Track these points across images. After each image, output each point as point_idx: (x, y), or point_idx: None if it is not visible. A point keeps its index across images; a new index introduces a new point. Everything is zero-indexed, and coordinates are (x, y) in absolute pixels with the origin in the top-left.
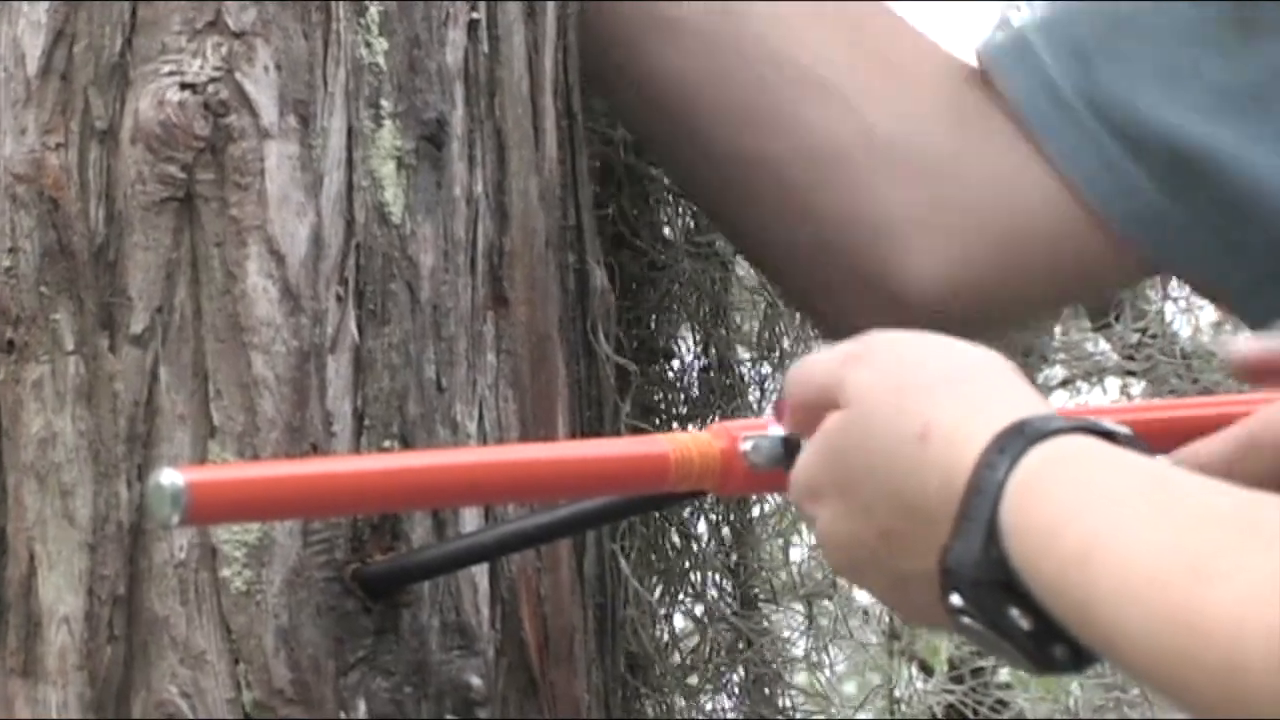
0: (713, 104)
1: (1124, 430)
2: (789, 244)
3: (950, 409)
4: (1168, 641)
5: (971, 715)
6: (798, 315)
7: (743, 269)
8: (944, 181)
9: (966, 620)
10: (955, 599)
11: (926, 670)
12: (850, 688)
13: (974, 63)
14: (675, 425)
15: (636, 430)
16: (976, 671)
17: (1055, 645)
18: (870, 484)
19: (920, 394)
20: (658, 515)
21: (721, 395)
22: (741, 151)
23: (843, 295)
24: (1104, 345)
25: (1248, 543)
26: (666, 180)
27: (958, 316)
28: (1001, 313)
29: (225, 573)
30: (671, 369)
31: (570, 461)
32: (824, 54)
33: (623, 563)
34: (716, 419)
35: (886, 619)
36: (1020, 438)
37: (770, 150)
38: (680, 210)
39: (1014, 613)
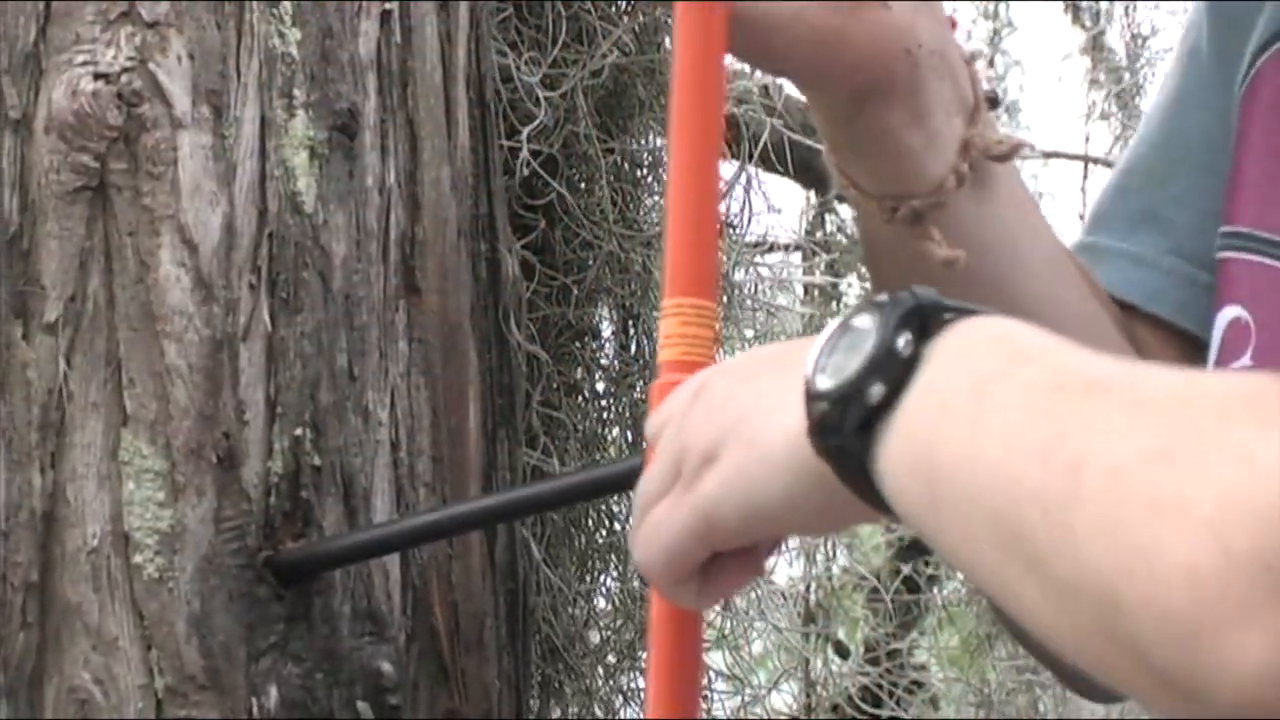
0: None
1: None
2: None
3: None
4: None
5: (887, 697)
6: (724, 295)
7: None
8: None
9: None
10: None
11: (841, 653)
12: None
13: None
14: (598, 402)
15: (548, 419)
16: (893, 654)
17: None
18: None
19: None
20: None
21: (640, 373)
22: None
23: None
24: None
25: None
26: (603, 164)
27: None
28: None
29: (137, 559)
30: (593, 347)
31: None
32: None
33: (534, 549)
34: (636, 393)
35: (803, 602)
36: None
37: None
38: (616, 190)
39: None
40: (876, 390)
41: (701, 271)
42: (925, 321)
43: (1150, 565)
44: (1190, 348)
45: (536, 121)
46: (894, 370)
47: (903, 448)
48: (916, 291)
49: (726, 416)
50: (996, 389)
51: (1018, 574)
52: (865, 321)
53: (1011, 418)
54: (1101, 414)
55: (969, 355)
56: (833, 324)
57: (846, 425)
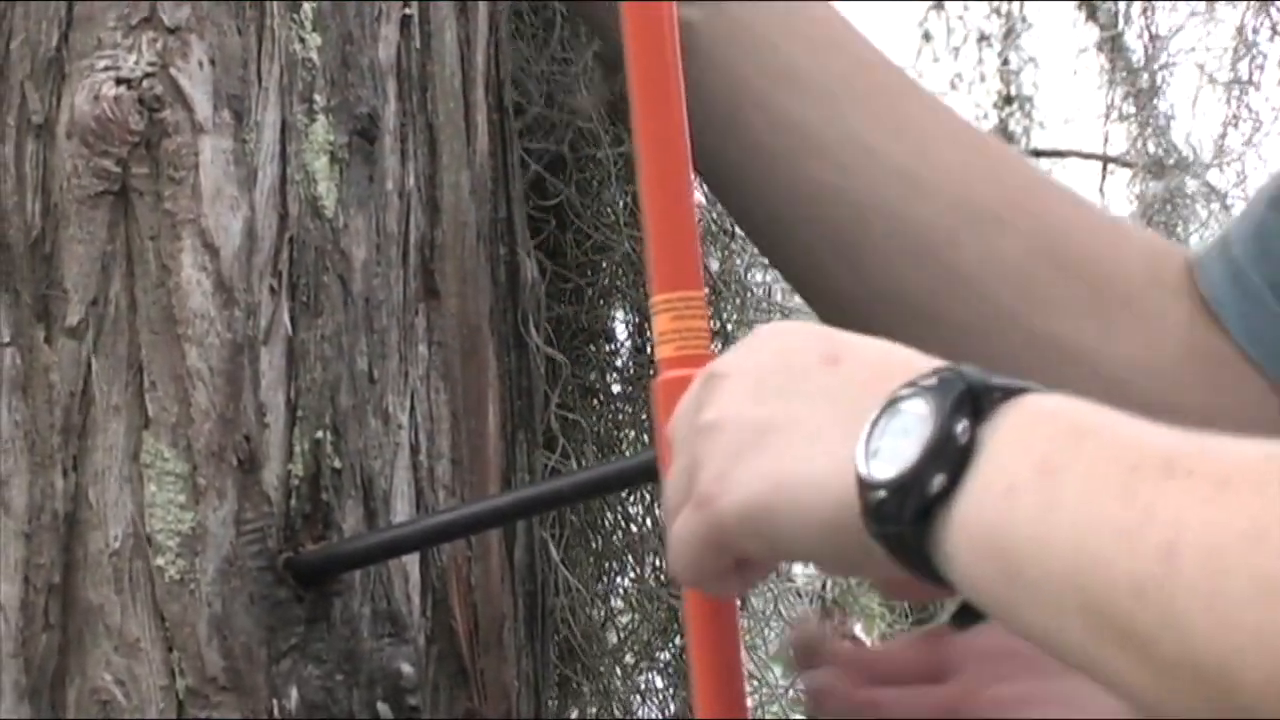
0: None
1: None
2: None
3: (862, 343)
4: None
5: None
6: (738, 298)
7: None
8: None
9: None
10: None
11: None
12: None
13: None
14: (612, 405)
15: (565, 421)
16: None
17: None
18: (774, 383)
19: (818, 331)
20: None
21: (656, 375)
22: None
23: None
24: None
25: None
26: (614, 166)
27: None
28: None
29: (159, 561)
30: (607, 350)
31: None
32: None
33: (553, 550)
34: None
35: (819, 596)
36: (990, 393)
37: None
38: (625, 191)
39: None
40: (938, 480)
41: (684, 263)
42: (978, 403)
43: (1265, 645)
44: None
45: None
46: (954, 458)
47: (969, 533)
48: (964, 372)
49: (740, 435)
50: (1064, 467)
51: (1113, 652)
52: (917, 406)
53: (1088, 497)
54: (1188, 495)
55: (1027, 434)
56: (873, 399)
57: (905, 514)
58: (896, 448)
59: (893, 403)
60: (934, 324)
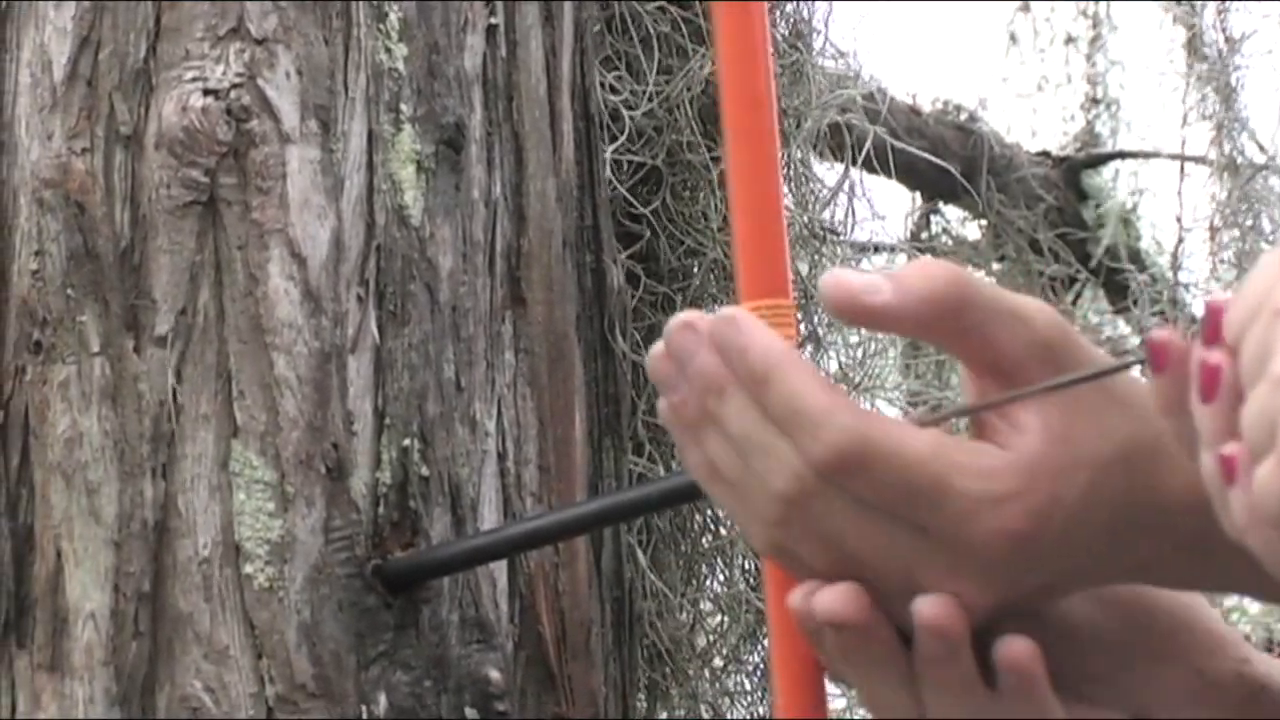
0: None
1: None
2: None
3: None
4: None
5: None
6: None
7: None
8: None
9: None
10: None
11: None
12: None
13: None
14: None
15: (653, 427)
16: None
17: None
18: None
19: None
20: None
21: None
22: None
23: None
24: (1123, 327)
25: None
26: (708, 172)
27: None
28: None
29: (248, 569)
30: None
31: None
32: None
33: (640, 556)
34: None
35: None
36: None
37: None
38: (720, 197)
39: None
40: None
41: (773, 271)
42: None
43: None
44: None
45: (624, 136)
46: None
47: None
48: None
49: None
50: None
51: None
52: None
53: None
54: None
55: None
56: None
57: None
58: None
59: None
60: None
